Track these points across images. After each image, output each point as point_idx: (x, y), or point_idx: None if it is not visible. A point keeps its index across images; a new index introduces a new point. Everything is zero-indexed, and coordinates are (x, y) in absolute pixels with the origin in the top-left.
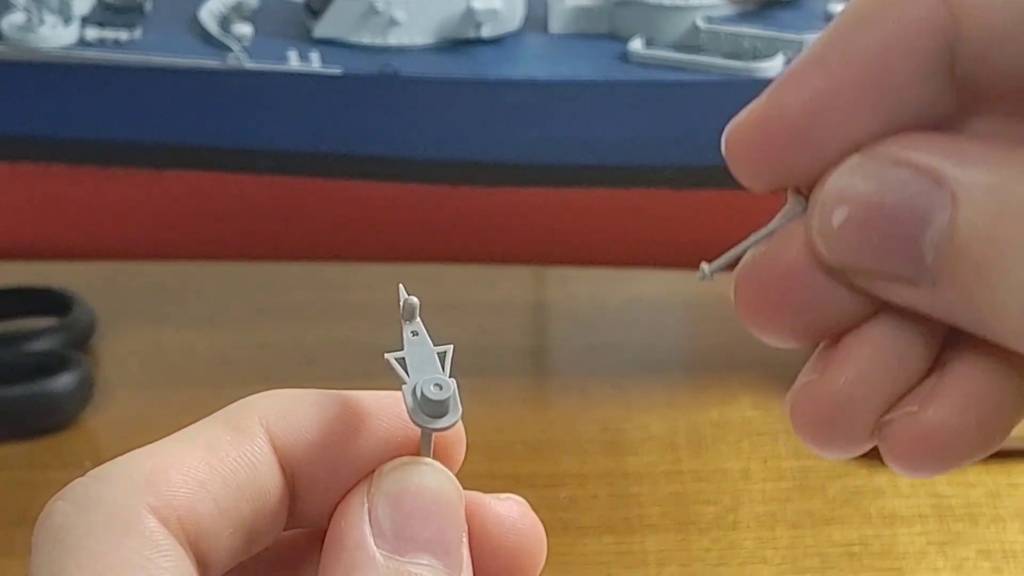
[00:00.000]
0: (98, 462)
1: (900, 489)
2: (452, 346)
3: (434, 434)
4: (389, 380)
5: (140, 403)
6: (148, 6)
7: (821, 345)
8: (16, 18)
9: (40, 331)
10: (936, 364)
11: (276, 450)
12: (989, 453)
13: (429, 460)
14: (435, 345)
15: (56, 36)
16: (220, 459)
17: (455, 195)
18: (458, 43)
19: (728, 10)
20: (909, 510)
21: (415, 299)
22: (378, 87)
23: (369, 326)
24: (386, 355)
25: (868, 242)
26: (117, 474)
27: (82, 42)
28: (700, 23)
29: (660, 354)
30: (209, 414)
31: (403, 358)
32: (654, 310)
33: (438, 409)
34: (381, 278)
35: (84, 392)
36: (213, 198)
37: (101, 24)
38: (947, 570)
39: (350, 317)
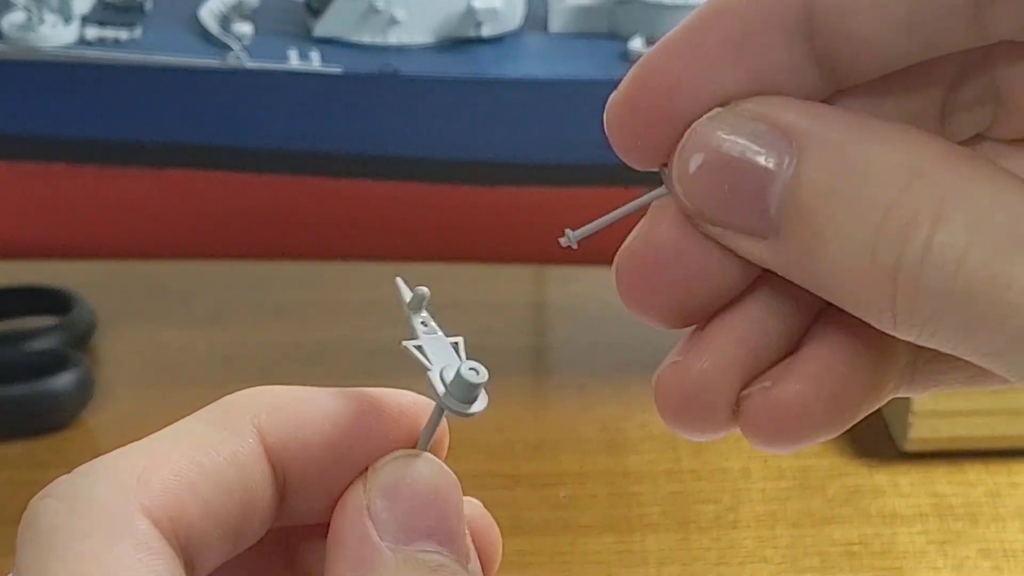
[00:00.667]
0: None
1: (900, 488)
2: (463, 337)
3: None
4: (390, 378)
5: (140, 402)
6: (148, 5)
7: (690, 330)
8: (16, 17)
9: (40, 330)
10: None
11: (267, 449)
12: (843, 429)
13: (423, 452)
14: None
15: (56, 35)
16: (211, 459)
17: (455, 195)
18: (458, 42)
19: None
20: (909, 509)
21: (424, 289)
22: (378, 86)
23: (369, 325)
24: (404, 343)
25: (720, 189)
26: (108, 473)
27: (82, 41)
28: None
29: (660, 353)
30: None
31: (420, 346)
32: None
33: (472, 393)
34: (381, 277)
35: (84, 391)
36: (213, 197)
37: (101, 23)
38: (947, 569)
39: (350, 316)
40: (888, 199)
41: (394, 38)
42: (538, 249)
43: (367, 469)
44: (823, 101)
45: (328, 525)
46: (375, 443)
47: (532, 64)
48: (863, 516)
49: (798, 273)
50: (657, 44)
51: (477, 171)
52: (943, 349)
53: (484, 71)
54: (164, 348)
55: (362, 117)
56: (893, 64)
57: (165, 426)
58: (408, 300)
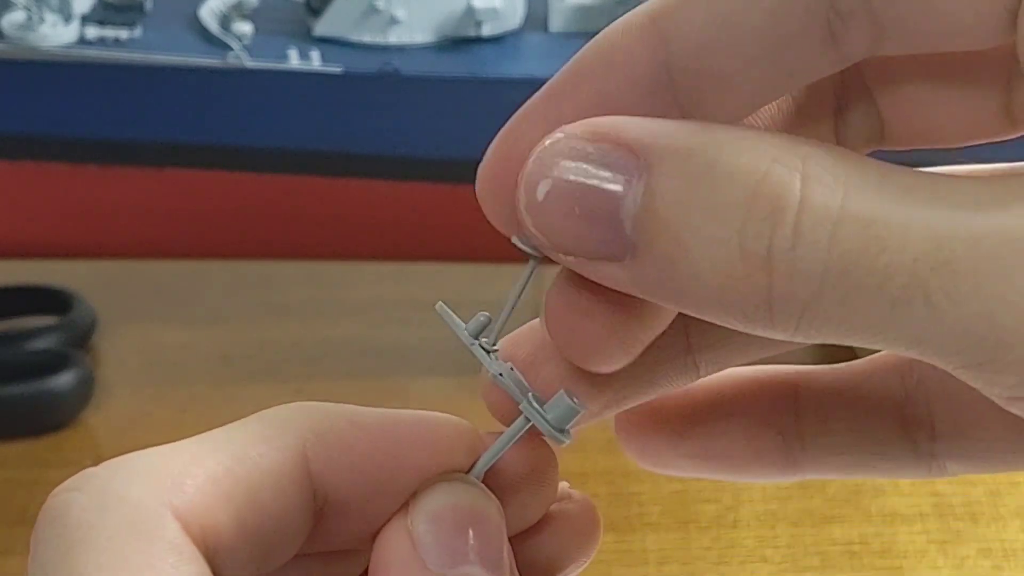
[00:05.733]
0: (99, 461)
1: (900, 487)
2: (488, 314)
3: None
4: (390, 377)
5: (140, 401)
6: (148, 4)
7: None
8: (16, 16)
9: (40, 330)
10: None
11: (310, 471)
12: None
13: (465, 477)
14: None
15: (56, 34)
16: (248, 471)
17: (455, 194)
18: (458, 41)
19: None
20: (909, 508)
21: (484, 315)
22: (378, 85)
23: (369, 324)
24: (492, 377)
25: (571, 215)
26: (140, 472)
27: (82, 40)
28: None
29: None
30: (209, 412)
31: (501, 374)
32: None
33: (570, 420)
34: (381, 277)
35: (84, 391)
36: (213, 197)
37: (101, 22)
38: (947, 568)
39: (350, 315)
40: (748, 191)
41: (394, 37)
42: None
43: (411, 496)
44: None
45: (359, 552)
46: (420, 471)
47: (532, 64)
48: (863, 515)
49: (660, 291)
50: (516, 113)
51: (477, 171)
52: (823, 337)
53: (484, 71)
54: (164, 348)
55: (362, 116)
56: (760, 98)
57: (165, 424)
58: (466, 327)
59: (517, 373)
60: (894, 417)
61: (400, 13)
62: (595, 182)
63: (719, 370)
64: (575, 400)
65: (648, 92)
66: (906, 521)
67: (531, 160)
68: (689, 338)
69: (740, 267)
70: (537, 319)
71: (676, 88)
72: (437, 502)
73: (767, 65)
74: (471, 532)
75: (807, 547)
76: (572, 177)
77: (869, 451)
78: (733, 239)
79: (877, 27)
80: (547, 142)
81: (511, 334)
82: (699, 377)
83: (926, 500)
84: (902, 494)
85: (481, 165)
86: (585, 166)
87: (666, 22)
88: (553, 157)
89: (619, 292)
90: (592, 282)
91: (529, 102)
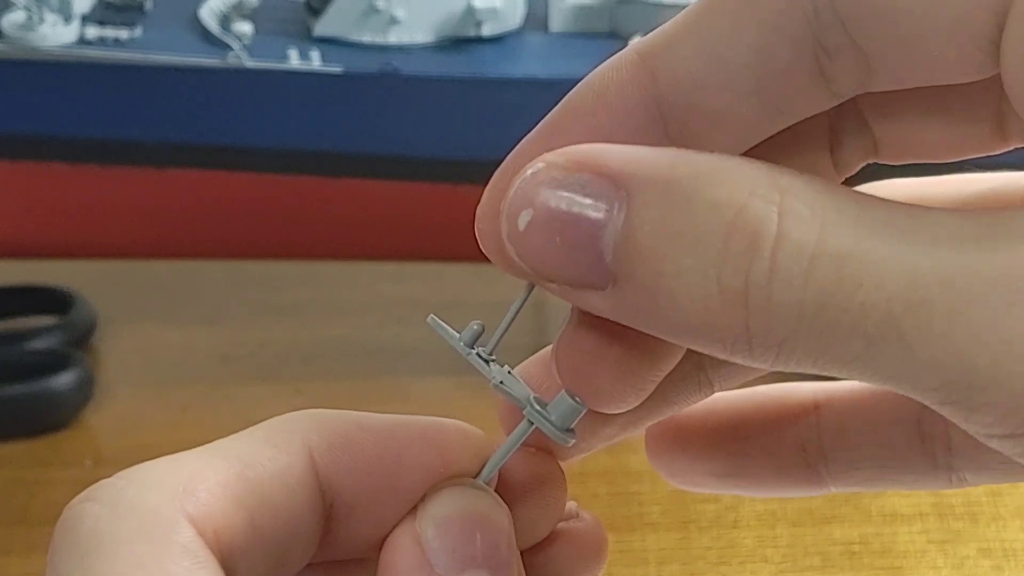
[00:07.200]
0: (98, 460)
1: None
2: (481, 322)
3: (503, 462)
4: (389, 377)
5: (140, 401)
6: (148, 4)
7: None
8: (16, 16)
9: (41, 330)
10: None
11: (317, 473)
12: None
13: (473, 481)
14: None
15: (56, 34)
16: (258, 475)
17: (455, 194)
18: (459, 41)
19: None
20: (909, 508)
21: (478, 323)
22: (378, 85)
23: (368, 324)
24: (494, 386)
25: (552, 244)
26: (153, 479)
27: (82, 40)
28: None
29: None
30: (209, 412)
31: (502, 382)
32: None
33: (573, 420)
34: (381, 277)
35: (84, 390)
36: (213, 197)
37: (101, 22)
38: (947, 568)
39: (349, 315)
40: (726, 224)
41: (394, 37)
42: None
43: (418, 501)
44: None
45: (368, 563)
46: (426, 474)
47: (532, 64)
48: (864, 515)
49: (642, 319)
50: (511, 151)
51: (477, 171)
52: (803, 369)
53: (484, 71)
54: (164, 348)
55: (362, 117)
56: (751, 134)
57: (165, 424)
58: (459, 337)
59: (516, 377)
60: (912, 431)
61: (400, 13)
62: (576, 212)
63: (733, 386)
64: (577, 399)
65: (640, 128)
66: (906, 521)
67: (512, 189)
68: (701, 356)
69: (718, 301)
70: (545, 349)
71: (667, 124)
72: (445, 506)
73: (756, 102)
74: (479, 536)
75: (807, 547)
76: (553, 206)
77: (890, 465)
78: (711, 273)
79: (864, 63)
80: (528, 171)
81: (520, 366)
82: (713, 393)
83: (926, 500)
84: (902, 494)
85: (479, 204)
86: (566, 195)
87: (655, 59)
88: (534, 187)
89: (627, 336)
90: (600, 327)
91: (523, 139)
